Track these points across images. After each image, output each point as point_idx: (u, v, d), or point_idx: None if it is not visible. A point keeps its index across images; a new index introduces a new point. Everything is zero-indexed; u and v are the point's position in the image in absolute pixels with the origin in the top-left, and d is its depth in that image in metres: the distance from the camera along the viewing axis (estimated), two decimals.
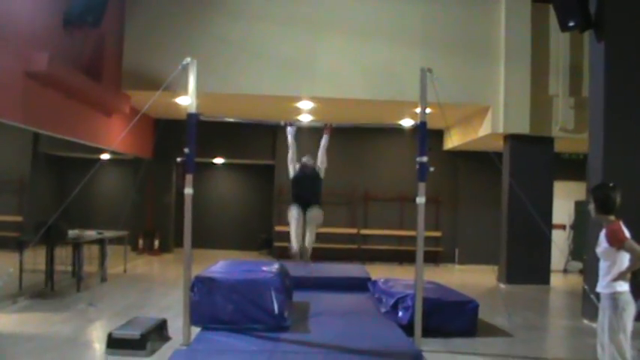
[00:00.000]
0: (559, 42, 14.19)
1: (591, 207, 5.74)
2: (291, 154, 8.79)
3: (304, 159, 8.86)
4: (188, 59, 6.68)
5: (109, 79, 13.02)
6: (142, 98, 12.99)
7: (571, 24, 10.73)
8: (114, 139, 13.37)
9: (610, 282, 5.48)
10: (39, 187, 15.32)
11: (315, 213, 8.74)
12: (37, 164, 15.01)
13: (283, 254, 17.69)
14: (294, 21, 14.01)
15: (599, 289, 5.63)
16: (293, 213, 8.78)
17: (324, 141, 8.70)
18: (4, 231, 13.37)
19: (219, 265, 9.10)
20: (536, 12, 14.20)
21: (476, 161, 17.68)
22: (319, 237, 17.21)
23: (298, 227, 8.62)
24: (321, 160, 8.92)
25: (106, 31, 12.57)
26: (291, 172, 8.99)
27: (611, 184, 5.77)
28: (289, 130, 8.54)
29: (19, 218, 14.60)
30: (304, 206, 8.84)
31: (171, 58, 9.85)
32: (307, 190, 8.92)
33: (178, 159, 17.88)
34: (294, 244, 8.59)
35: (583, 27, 10.60)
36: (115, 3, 12.57)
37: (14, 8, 9.37)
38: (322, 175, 8.94)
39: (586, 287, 9.02)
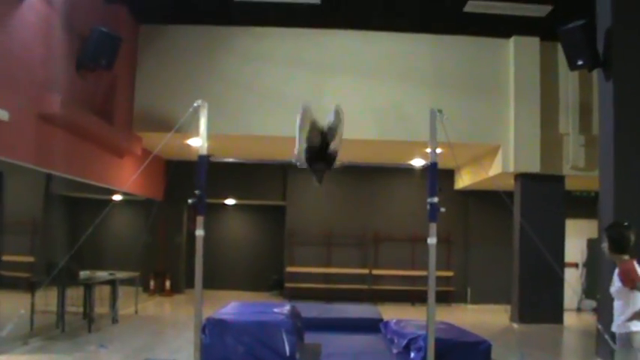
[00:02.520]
0: (568, 80, 14.25)
1: (605, 245, 5.70)
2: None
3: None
4: (199, 101, 6.73)
5: (121, 120, 13.14)
6: (154, 140, 13.11)
7: (579, 63, 10.79)
8: (126, 180, 13.44)
9: (625, 322, 5.43)
10: (51, 228, 15.33)
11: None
12: (50, 205, 15.04)
13: (295, 295, 17.64)
14: (304, 62, 14.13)
15: (614, 328, 5.58)
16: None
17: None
18: (16, 271, 13.35)
19: (230, 306, 9.07)
20: (545, 51, 14.27)
21: (487, 200, 17.64)
22: (330, 278, 17.24)
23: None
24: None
25: (118, 73, 12.71)
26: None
27: (625, 223, 5.73)
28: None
29: (30, 259, 14.59)
30: None
31: (182, 100, 9.94)
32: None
33: (189, 200, 17.87)
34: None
35: (591, 66, 10.65)
36: (127, 46, 12.72)
37: (29, 51, 9.50)
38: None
39: (600, 327, 8.93)
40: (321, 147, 7.40)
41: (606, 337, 6.14)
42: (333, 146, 7.44)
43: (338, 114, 7.58)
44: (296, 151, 7.37)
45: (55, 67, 10.41)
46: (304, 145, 7.29)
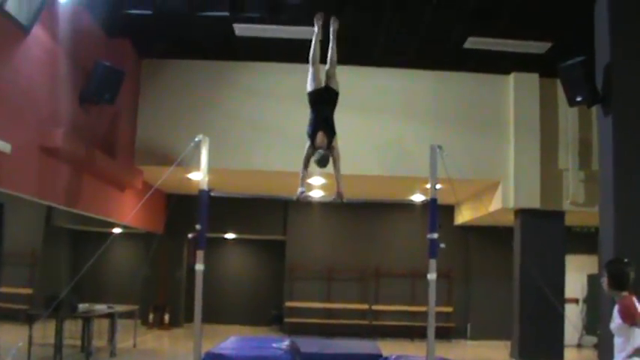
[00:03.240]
0: (568, 116, 14.29)
1: (604, 281, 5.69)
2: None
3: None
4: (200, 136, 6.79)
5: (122, 154, 13.19)
6: (155, 173, 13.12)
7: (579, 99, 10.83)
8: (126, 213, 13.45)
9: (625, 358, 5.41)
10: (50, 260, 15.36)
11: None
12: (50, 237, 15.08)
13: (294, 330, 17.56)
14: (305, 99, 14.18)
15: None
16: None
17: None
18: (15, 303, 13.35)
19: (229, 341, 9.04)
20: (545, 87, 14.34)
21: (487, 236, 17.64)
22: (330, 313, 17.20)
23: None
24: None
25: (121, 107, 12.79)
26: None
27: (625, 260, 5.74)
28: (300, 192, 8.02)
29: (29, 291, 14.60)
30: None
31: (183, 134, 10.00)
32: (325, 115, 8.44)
33: (189, 235, 17.88)
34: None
35: (590, 102, 10.70)
36: (130, 80, 12.81)
37: (32, 84, 9.57)
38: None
39: None
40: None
41: None
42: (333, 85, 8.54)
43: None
44: None
45: (59, 101, 10.48)
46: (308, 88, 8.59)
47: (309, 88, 8.47)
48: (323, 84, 8.38)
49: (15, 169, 9.07)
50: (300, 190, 7.73)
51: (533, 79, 14.35)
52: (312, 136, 7.73)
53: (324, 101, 8.08)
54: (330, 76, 8.53)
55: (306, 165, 7.71)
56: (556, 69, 11.25)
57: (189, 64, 14.21)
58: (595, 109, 11.20)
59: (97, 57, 11.38)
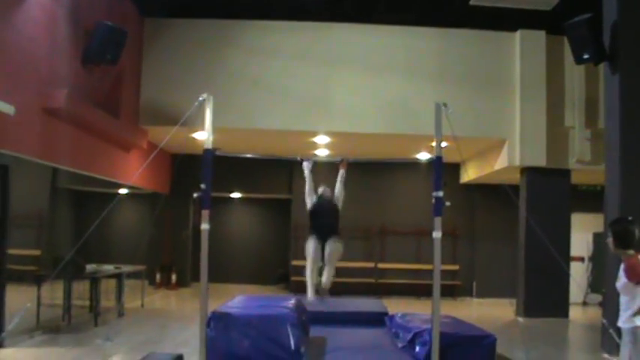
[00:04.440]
0: (574, 74, 14.20)
1: (609, 241, 5.69)
2: (307, 187, 8.85)
3: (321, 189, 8.88)
4: (204, 95, 6.72)
5: (126, 114, 13.15)
6: (160, 133, 13.10)
7: (585, 56, 10.76)
8: (132, 174, 13.46)
9: (630, 317, 5.42)
10: (57, 222, 15.37)
11: (335, 246, 8.74)
12: (56, 199, 15.08)
13: (300, 289, 17.66)
14: (310, 57, 14.11)
15: (619, 323, 5.57)
16: (310, 246, 8.84)
17: (340, 175, 8.72)
18: (23, 265, 13.41)
19: (235, 300, 9.07)
20: (551, 44, 14.23)
21: (492, 194, 17.60)
22: (336, 272, 17.23)
23: (315, 263, 8.65)
24: (338, 191, 9.11)
25: (124, 67, 12.72)
26: (309, 204, 9.11)
27: (629, 218, 5.72)
28: (305, 165, 8.56)
29: (37, 252, 14.64)
30: (323, 238, 8.90)
31: (187, 94, 9.94)
32: (325, 221, 9.03)
33: (195, 194, 17.90)
34: (310, 285, 8.79)
35: (597, 59, 10.62)
36: (133, 40, 12.73)
37: (33, 46, 9.51)
38: (340, 205, 8.94)
39: (605, 322, 8.92)
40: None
41: (611, 331, 6.13)
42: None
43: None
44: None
45: (61, 62, 10.43)
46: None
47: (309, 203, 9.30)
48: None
49: (19, 131, 9.07)
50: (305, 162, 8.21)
51: (539, 36, 14.23)
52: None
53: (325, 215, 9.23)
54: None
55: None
56: (563, 26, 11.15)
57: (193, 23, 14.11)
58: (602, 67, 11.11)
59: (98, 17, 11.29)
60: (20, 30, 9.08)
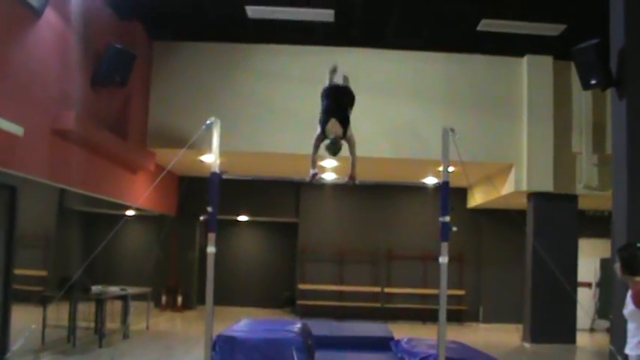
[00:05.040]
0: (581, 99, 14.20)
1: (617, 267, 5.65)
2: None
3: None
4: (212, 119, 6.76)
5: (134, 136, 13.20)
6: (167, 156, 13.16)
7: (593, 82, 10.75)
8: (139, 196, 13.48)
9: (638, 343, 5.38)
10: (64, 242, 15.41)
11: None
12: (63, 220, 15.12)
13: (306, 312, 17.62)
14: (318, 80, 14.04)
15: (627, 350, 5.53)
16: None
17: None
18: (29, 285, 13.43)
19: (241, 323, 9.07)
20: (558, 69, 14.24)
21: (499, 219, 17.60)
22: (342, 296, 17.24)
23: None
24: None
25: (133, 89, 12.79)
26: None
27: (638, 244, 5.69)
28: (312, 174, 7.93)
29: (43, 273, 14.67)
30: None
31: (195, 117, 10.00)
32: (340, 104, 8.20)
33: (201, 217, 17.92)
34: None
35: (605, 85, 10.61)
36: (142, 62, 12.81)
37: (44, 67, 9.58)
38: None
39: (612, 348, 8.86)
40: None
41: (619, 358, 6.08)
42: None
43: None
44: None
45: (70, 83, 10.50)
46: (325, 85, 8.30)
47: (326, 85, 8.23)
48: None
49: (27, 152, 9.11)
50: (312, 171, 7.68)
51: (546, 61, 14.25)
52: (324, 123, 7.59)
53: (340, 94, 8.06)
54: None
55: (316, 148, 7.60)
56: (570, 51, 11.17)
57: (201, 46, 14.19)
58: (609, 93, 11.11)
59: (108, 39, 11.39)
60: (30, 51, 9.15)
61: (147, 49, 13.81)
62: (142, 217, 18.41)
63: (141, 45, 13.16)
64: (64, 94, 10.20)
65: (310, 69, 14.25)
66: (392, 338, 10.63)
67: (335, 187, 18.44)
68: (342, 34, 13.68)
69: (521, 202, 14.98)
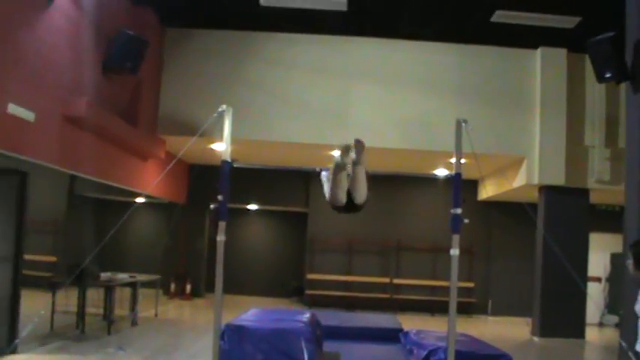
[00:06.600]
0: (595, 93, 14.11)
1: (629, 263, 5.61)
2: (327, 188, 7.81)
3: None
4: (224, 106, 6.71)
5: (145, 124, 13.19)
6: (177, 143, 13.15)
7: (607, 75, 10.66)
8: (149, 183, 13.48)
9: None
10: (73, 229, 15.46)
11: (358, 169, 7.39)
12: (73, 206, 15.17)
13: (315, 302, 17.62)
14: (329, 70, 14.11)
15: (638, 347, 5.50)
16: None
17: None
18: (38, 271, 13.48)
19: (250, 313, 9.04)
20: (572, 62, 14.14)
21: (510, 212, 17.54)
22: (351, 286, 17.19)
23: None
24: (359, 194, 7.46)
25: (144, 77, 12.76)
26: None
27: None
28: (324, 175, 8.17)
29: (53, 259, 14.72)
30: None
31: (206, 105, 9.98)
32: None
33: (211, 206, 17.99)
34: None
35: (620, 78, 10.52)
36: (153, 49, 12.77)
37: (56, 53, 9.56)
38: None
39: (623, 343, 8.80)
40: (347, 203, 7.37)
41: (630, 354, 6.03)
42: (358, 200, 7.35)
43: (358, 149, 7.29)
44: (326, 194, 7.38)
45: (82, 70, 10.47)
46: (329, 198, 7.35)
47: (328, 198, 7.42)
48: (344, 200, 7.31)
49: (38, 138, 9.10)
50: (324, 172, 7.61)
51: (560, 54, 14.15)
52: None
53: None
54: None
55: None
56: (584, 44, 11.07)
57: (214, 34, 14.16)
58: (624, 86, 11.02)
59: (120, 26, 11.35)
60: (42, 37, 9.13)
61: (159, 36, 13.77)
62: (151, 205, 18.43)
63: (153, 31, 13.12)
64: (75, 81, 10.18)
65: (322, 58, 14.23)
66: (401, 330, 10.59)
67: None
68: (355, 23, 13.61)
69: (533, 196, 14.91)
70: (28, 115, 8.56)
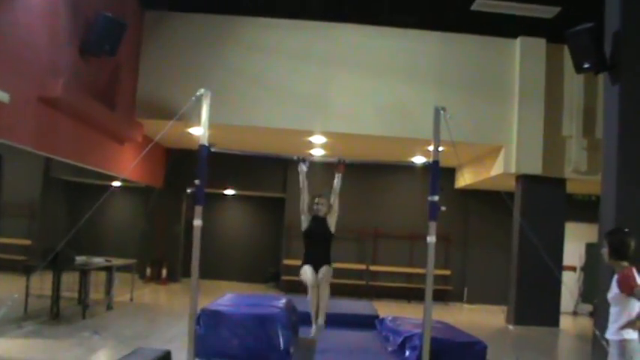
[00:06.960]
0: (573, 83, 14.18)
1: (604, 251, 5.65)
2: (303, 197, 8.70)
3: (316, 206, 8.76)
4: (202, 90, 6.65)
5: (122, 107, 13.07)
6: (155, 127, 13.06)
7: (586, 66, 10.70)
8: (126, 167, 13.38)
9: (619, 329, 5.40)
10: (49, 212, 15.30)
11: (326, 272, 8.85)
12: (48, 189, 15.01)
13: (291, 288, 17.60)
14: (310, 56, 14.06)
15: (608, 335, 5.55)
16: (307, 272, 8.78)
17: (336, 182, 8.57)
18: (12, 254, 13.35)
19: (226, 298, 9.03)
20: (551, 52, 14.20)
21: (487, 200, 17.62)
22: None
23: (314, 288, 8.73)
24: (333, 201, 8.88)
25: (122, 59, 12.64)
26: (304, 223, 9.02)
27: (626, 230, 5.69)
28: (302, 168, 8.27)
29: (27, 242, 14.58)
30: (316, 267, 8.94)
31: (185, 88, 9.89)
32: (319, 250, 9.12)
33: (188, 190, 17.91)
34: (313, 313, 8.67)
35: (598, 69, 10.57)
36: (132, 32, 12.65)
37: (32, 34, 9.43)
38: (333, 229, 9.07)
39: (597, 332, 8.88)
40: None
41: (603, 342, 6.08)
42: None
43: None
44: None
45: (59, 51, 10.35)
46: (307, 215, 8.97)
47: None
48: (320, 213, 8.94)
49: (13, 119, 8.99)
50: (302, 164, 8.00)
51: (540, 44, 14.21)
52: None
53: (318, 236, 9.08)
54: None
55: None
56: (564, 35, 11.11)
57: (193, 17, 14.05)
58: (602, 77, 11.08)
59: (99, 7, 11.22)
60: (19, 18, 9.00)
61: (138, 18, 13.65)
62: (128, 189, 18.28)
63: (132, 14, 13.00)
64: (52, 62, 10.05)
65: (303, 44, 14.18)
66: (377, 316, 10.63)
67: (323, 163, 18.40)
68: (337, 9, 13.57)
69: (510, 184, 14.98)
70: (2, 96, 8.43)
